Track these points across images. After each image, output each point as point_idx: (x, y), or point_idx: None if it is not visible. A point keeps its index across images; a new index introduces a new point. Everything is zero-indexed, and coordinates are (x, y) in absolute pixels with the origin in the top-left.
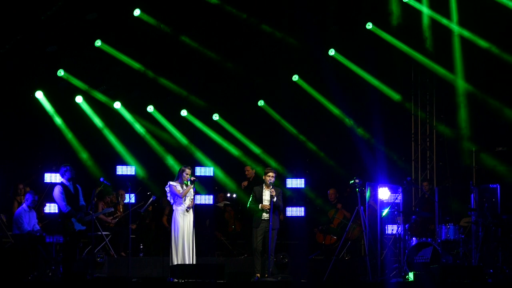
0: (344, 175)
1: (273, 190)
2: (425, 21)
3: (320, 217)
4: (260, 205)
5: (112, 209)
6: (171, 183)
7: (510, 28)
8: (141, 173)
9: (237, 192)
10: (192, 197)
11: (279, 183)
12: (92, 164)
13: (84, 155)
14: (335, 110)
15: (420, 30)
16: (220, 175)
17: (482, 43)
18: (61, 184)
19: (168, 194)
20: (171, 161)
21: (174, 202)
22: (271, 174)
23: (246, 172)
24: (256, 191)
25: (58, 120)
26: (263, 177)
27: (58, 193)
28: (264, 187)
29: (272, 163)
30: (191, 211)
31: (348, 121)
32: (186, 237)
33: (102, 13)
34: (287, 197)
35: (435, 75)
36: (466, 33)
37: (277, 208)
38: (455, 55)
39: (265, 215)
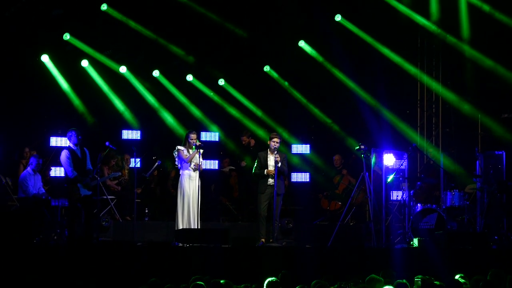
0: (350, 141)
1: (278, 156)
2: None
3: (325, 183)
4: (265, 170)
5: (120, 173)
6: (179, 147)
7: None
8: (148, 137)
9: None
10: (198, 162)
11: (284, 148)
12: (98, 128)
13: (89, 119)
14: (341, 76)
15: None
16: (226, 140)
17: (490, 9)
18: (68, 148)
19: (176, 159)
20: (176, 126)
21: (181, 167)
22: (276, 139)
23: (243, 142)
24: (261, 157)
25: (63, 84)
26: (268, 142)
27: (65, 157)
28: (268, 152)
29: (278, 128)
30: (197, 175)
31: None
32: (191, 202)
33: None
34: (291, 163)
35: (442, 41)
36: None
37: (282, 174)
38: (462, 20)
39: (270, 181)
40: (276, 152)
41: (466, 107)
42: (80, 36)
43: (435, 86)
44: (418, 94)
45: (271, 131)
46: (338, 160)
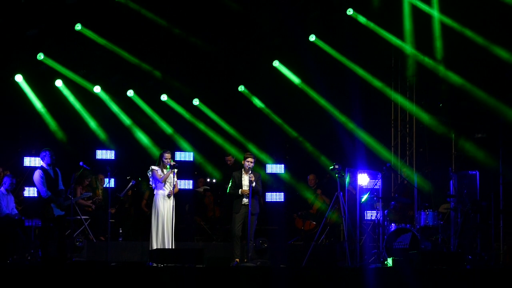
0: (324, 161)
1: (252, 176)
2: (406, 6)
3: (300, 203)
4: (239, 190)
5: (91, 194)
6: (153, 167)
7: (489, 14)
8: (122, 157)
9: (217, 177)
10: (172, 182)
11: (258, 168)
12: (72, 148)
13: (63, 139)
14: (316, 96)
15: (400, 16)
16: (200, 160)
17: (465, 30)
18: (41, 168)
19: (150, 179)
20: (150, 145)
21: (155, 186)
22: (250, 159)
23: (228, 162)
24: (235, 176)
25: (37, 103)
26: (242, 162)
27: (38, 177)
28: (243, 172)
29: (252, 148)
30: (172, 196)
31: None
32: (166, 222)
33: None
34: (266, 183)
35: (416, 61)
36: (446, 20)
37: (256, 193)
38: (436, 41)
39: (245, 200)
40: (250, 172)
41: (440, 127)
42: (54, 56)
43: (409, 106)
44: (392, 114)
45: (245, 151)
46: (313, 180)
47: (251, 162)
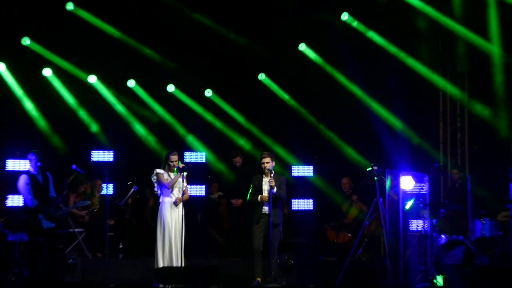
0: (361, 162)
1: (272, 180)
2: None
3: (332, 211)
4: (259, 196)
5: (89, 202)
6: (157, 171)
7: None
8: (121, 159)
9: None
10: (181, 188)
11: (282, 170)
12: (63, 149)
13: (53, 138)
14: (349, 85)
15: None
16: (214, 161)
17: None
18: (28, 173)
19: (155, 184)
20: (155, 145)
21: (161, 193)
22: (265, 159)
23: (237, 164)
24: (255, 181)
25: (23, 96)
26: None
27: (23, 184)
28: (264, 175)
29: (275, 147)
30: (180, 204)
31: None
32: (174, 234)
33: None
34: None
35: (468, 44)
36: None
37: (279, 200)
38: (491, 20)
39: (265, 209)
40: (271, 175)
41: (497, 121)
42: (42, 40)
43: (460, 96)
44: (440, 105)
45: (266, 150)
46: (347, 184)
47: (266, 162)
